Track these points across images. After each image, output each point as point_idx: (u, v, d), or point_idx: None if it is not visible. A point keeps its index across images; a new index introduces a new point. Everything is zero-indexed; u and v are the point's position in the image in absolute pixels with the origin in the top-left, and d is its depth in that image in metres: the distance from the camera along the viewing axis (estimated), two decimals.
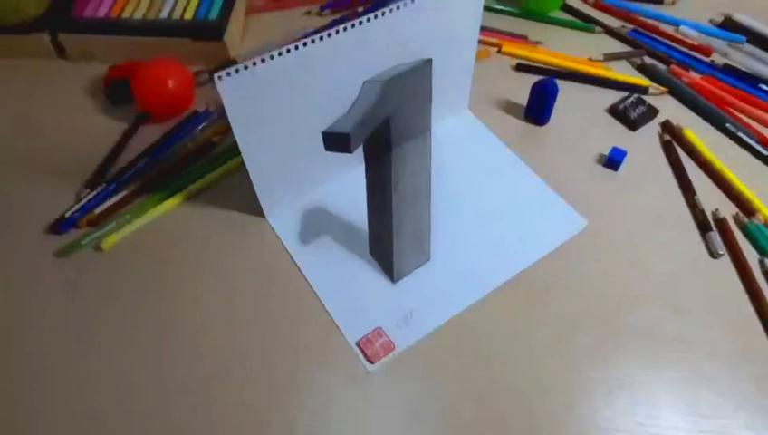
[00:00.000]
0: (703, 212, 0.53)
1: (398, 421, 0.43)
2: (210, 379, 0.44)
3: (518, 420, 0.42)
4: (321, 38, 0.43)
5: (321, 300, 0.49)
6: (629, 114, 0.59)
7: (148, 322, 0.47)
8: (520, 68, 0.65)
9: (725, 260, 0.50)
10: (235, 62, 0.64)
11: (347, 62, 0.46)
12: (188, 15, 0.64)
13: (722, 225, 0.52)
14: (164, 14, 0.64)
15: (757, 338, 0.46)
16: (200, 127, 0.60)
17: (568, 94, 0.61)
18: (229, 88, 0.42)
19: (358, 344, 0.46)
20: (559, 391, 0.44)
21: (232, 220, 0.54)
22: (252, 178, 0.49)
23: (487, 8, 0.71)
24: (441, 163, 0.55)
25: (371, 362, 0.45)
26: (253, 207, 0.53)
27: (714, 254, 0.50)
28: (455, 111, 0.61)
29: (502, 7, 0.71)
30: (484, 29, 0.68)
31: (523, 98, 0.61)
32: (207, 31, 0.63)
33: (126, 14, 0.64)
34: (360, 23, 0.44)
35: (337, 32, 0.44)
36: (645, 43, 0.67)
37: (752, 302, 0.48)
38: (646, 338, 0.46)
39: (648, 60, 0.65)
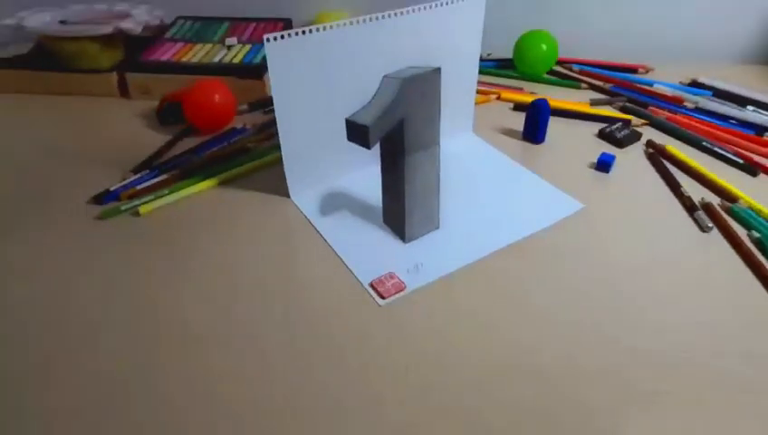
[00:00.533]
0: (690, 198, 0.57)
1: (402, 347, 0.44)
2: (234, 326, 0.46)
3: (508, 356, 0.44)
4: (356, 22, 0.53)
5: (338, 254, 0.52)
6: (616, 135, 0.67)
7: (183, 275, 0.50)
8: (517, 108, 0.75)
9: (715, 234, 0.54)
10: (271, 100, 0.76)
11: (374, 51, 0.55)
12: (236, 61, 0.77)
13: (708, 207, 0.56)
14: (216, 60, 0.77)
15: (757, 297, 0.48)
16: (236, 138, 0.68)
17: (560, 126, 0.70)
18: (276, 50, 0.51)
19: (371, 284, 0.49)
20: (551, 342, 0.44)
21: (260, 198, 0.59)
22: (282, 150, 0.56)
23: (486, 72, 0.83)
24: (450, 164, 0.62)
25: (383, 298, 0.47)
26: (279, 191, 0.59)
27: (704, 228, 0.54)
28: (460, 129, 0.69)
29: (499, 71, 0.84)
30: (484, 83, 0.80)
31: (520, 127, 0.70)
32: (251, 71, 0.75)
33: (185, 60, 0.77)
34: (389, 15, 0.55)
35: (372, 19, 0.54)
36: (625, 94, 0.77)
37: (747, 265, 0.51)
38: (645, 302, 0.47)
39: (629, 105, 0.75)
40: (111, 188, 0.59)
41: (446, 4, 0.58)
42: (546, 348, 0.43)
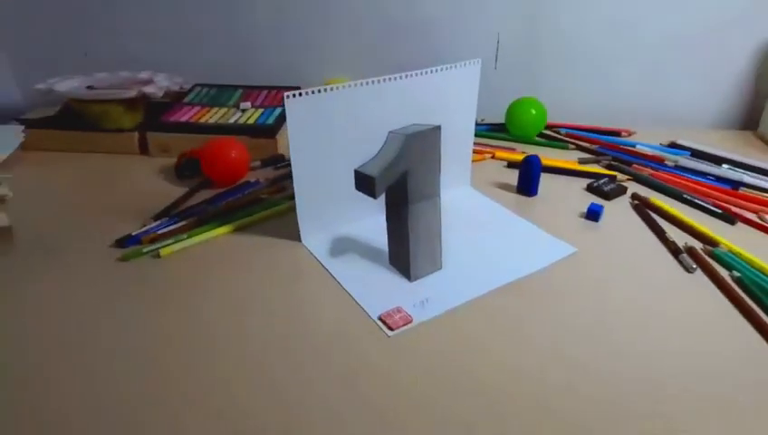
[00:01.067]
0: (674, 243, 0.62)
1: (410, 374, 0.46)
2: (247, 356, 0.49)
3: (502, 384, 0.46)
4: (366, 83, 0.59)
5: (347, 291, 0.55)
6: (603, 188, 0.72)
7: (200, 312, 0.53)
8: (510, 165, 0.81)
9: (698, 274, 0.58)
10: (282, 157, 0.81)
11: (380, 109, 0.60)
12: (250, 122, 0.83)
13: (692, 251, 0.61)
14: (231, 121, 0.83)
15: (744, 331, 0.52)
16: (250, 190, 0.73)
17: (551, 181, 0.76)
18: (294, 106, 0.56)
19: (380, 318, 0.52)
20: (550, 372, 0.47)
21: (272, 243, 0.63)
22: (296, 196, 0.61)
23: (480, 135, 0.90)
24: (451, 212, 0.66)
25: (391, 329, 0.50)
26: (291, 236, 0.63)
27: (688, 269, 0.58)
28: (459, 182, 0.74)
29: (492, 134, 0.90)
30: (479, 144, 0.86)
31: (514, 182, 0.75)
32: (264, 131, 0.81)
33: (202, 121, 0.83)
34: (393, 78, 0.61)
35: (379, 81, 0.60)
36: (610, 153, 0.83)
37: (730, 301, 0.54)
38: (636, 336, 0.50)
39: (614, 163, 0.81)
40: (133, 233, 0.63)
41: (445, 69, 0.65)
42: (546, 377, 0.46)
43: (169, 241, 0.62)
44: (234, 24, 0.97)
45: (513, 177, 0.76)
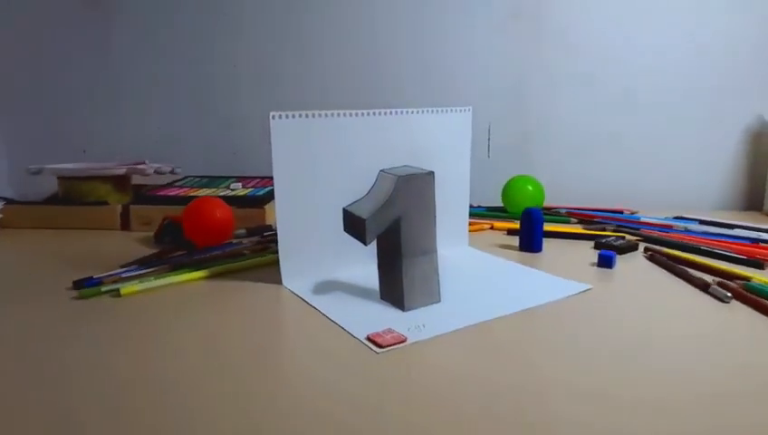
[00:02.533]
0: (701, 279, 0.55)
1: (399, 401, 0.37)
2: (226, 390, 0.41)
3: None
4: (357, 114, 0.58)
5: (331, 319, 0.48)
6: (613, 244, 0.67)
7: (165, 351, 0.44)
8: (510, 233, 0.76)
9: (734, 305, 0.50)
10: (270, 227, 0.77)
11: (370, 143, 0.58)
12: (240, 195, 0.80)
13: (723, 284, 0.54)
14: (220, 195, 0.80)
15: None
16: (231, 248, 0.68)
17: (555, 243, 0.71)
18: (281, 129, 0.54)
19: (368, 338, 0.43)
20: (554, 401, 0.39)
21: (250, 286, 0.57)
22: (278, 231, 0.55)
23: (479, 214, 0.86)
24: (449, 265, 0.60)
25: (380, 347, 0.42)
26: (272, 280, 0.57)
27: (723, 299, 0.51)
28: (456, 241, 0.69)
29: (490, 213, 0.87)
30: (477, 220, 0.82)
31: (516, 244, 0.70)
32: (252, 201, 0.78)
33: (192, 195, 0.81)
34: (385, 113, 0.60)
35: (367, 114, 0.59)
36: (615, 224, 0.79)
37: None
38: (663, 365, 0.43)
39: (621, 228, 0.76)
40: (95, 276, 0.57)
41: (437, 111, 0.64)
42: (551, 404, 0.36)
43: (133, 282, 0.55)
44: (226, 116, 1.00)
45: (514, 241, 0.71)
